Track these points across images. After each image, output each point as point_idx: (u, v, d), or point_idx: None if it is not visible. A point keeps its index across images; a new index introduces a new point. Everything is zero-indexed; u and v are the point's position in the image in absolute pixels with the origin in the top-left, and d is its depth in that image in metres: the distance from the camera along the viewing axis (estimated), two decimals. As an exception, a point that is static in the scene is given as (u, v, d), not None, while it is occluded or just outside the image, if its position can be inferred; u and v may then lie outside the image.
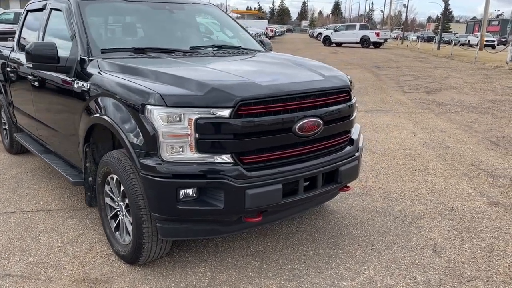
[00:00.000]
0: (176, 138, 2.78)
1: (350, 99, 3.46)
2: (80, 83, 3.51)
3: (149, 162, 2.81)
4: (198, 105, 2.77)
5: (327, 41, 40.85)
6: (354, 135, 3.60)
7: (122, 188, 3.14)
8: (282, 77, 3.26)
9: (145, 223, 3.01)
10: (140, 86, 2.91)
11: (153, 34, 4.18)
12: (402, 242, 3.71)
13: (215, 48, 4.15)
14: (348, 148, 3.47)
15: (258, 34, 30.75)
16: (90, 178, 3.62)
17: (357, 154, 3.53)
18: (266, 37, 42.92)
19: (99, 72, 3.35)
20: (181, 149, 2.80)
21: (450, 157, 6.22)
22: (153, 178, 2.79)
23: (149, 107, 2.78)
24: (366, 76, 16.18)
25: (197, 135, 2.77)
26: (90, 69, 3.47)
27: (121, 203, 3.27)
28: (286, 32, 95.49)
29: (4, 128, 6.22)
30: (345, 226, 3.99)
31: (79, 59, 3.62)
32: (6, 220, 4.04)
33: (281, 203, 3.01)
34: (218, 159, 2.84)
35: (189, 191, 2.85)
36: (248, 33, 4.83)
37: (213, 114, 2.77)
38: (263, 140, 2.91)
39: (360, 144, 3.72)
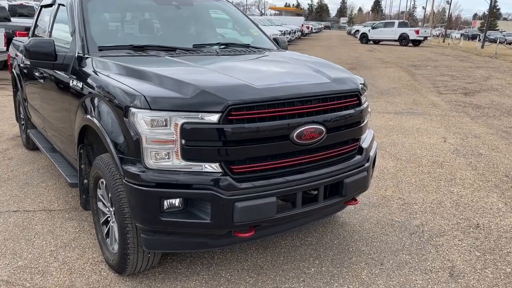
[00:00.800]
0: (160, 144, 2.57)
1: (359, 104, 3.15)
2: (75, 81, 3.37)
3: (132, 169, 2.61)
4: (185, 108, 2.55)
5: (364, 38, 39.88)
6: (364, 143, 3.29)
7: (110, 194, 2.97)
8: (282, 79, 3.00)
9: (130, 233, 2.82)
10: (126, 87, 2.72)
11: (156, 31, 3.99)
12: (416, 263, 3.37)
13: (222, 46, 3.91)
14: (356, 157, 3.16)
15: (293, 31, 30.32)
16: (85, 181, 3.47)
17: (366, 164, 3.22)
18: (302, 34, 42.44)
19: (93, 71, 3.19)
20: (166, 156, 2.59)
21: (482, 166, 5.76)
22: (136, 186, 2.59)
23: (133, 109, 2.58)
24: (401, 76, 15.56)
25: (183, 141, 2.55)
26: (85, 67, 3.31)
27: (111, 209, 3.10)
28: (324, 29, 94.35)
29: (22, 124, 6.23)
30: (355, 241, 3.68)
31: (76, 56, 3.48)
32: (6, 220, 3.97)
33: (275, 217, 2.75)
34: (207, 168, 2.61)
35: (175, 202, 2.64)
36: (261, 30, 4.57)
37: (202, 118, 2.55)
38: (256, 149, 2.66)
39: (372, 153, 3.40)
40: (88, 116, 3.06)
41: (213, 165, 2.61)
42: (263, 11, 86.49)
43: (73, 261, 3.32)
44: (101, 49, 3.47)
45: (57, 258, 3.35)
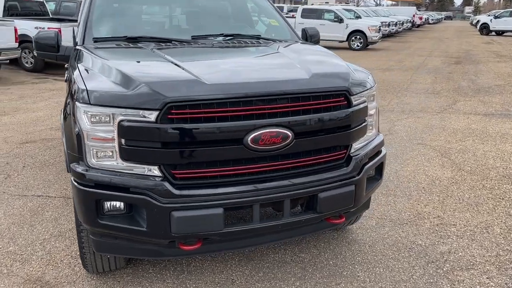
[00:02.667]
0: (101, 142, 2.39)
1: (348, 105, 2.66)
2: (67, 73, 3.36)
3: (76, 167, 2.48)
4: (124, 105, 2.34)
5: (484, 29, 35.95)
6: (358, 152, 2.78)
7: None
8: (249, 74, 2.65)
9: (83, 233, 2.72)
10: (79, 80, 2.59)
11: (160, 21, 3.83)
12: (416, 300, 2.79)
13: (227, 38, 3.61)
14: (341, 169, 2.68)
15: (400, 22, 28.39)
16: None
17: (356, 177, 2.71)
18: (413, 25, 39.66)
19: (75, 63, 3.13)
20: (109, 155, 2.41)
21: None
22: (76, 185, 2.46)
23: (77, 103, 2.45)
24: (512, 72, 13.67)
25: (122, 140, 2.35)
26: (73, 58, 3.27)
27: None
28: (445, 19, 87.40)
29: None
30: (354, 264, 3.18)
31: (74, 47, 3.46)
32: (25, 204, 4.15)
33: (224, 231, 2.42)
34: (152, 171, 2.38)
35: (118, 204, 2.46)
36: (284, 20, 4.18)
37: (143, 116, 2.32)
38: (201, 152, 2.36)
39: (372, 164, 2.87)
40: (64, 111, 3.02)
41: (153, 168, 2.37)
42: (378, 2, 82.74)
43: (57, 253, 3.33)
44: (96, 40, 3.42)
45: (45, 248, 3.39)
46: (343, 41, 20.31)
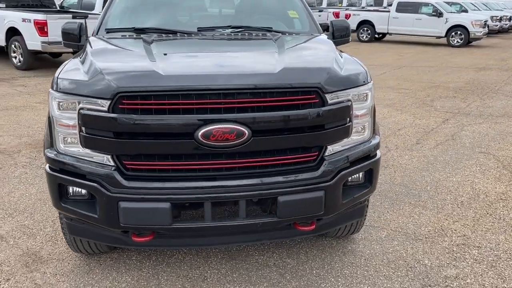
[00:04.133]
0: (66, 128, 2.49)
1: (322, 104, 2.44)
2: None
3: (48, 152, 2.59)
4: (84, 93, 2.40)
5: None
6: (335, 155, 2.54)
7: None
8: (215, 67, 2.55)
9: (62, 214, 2.85)
10: (60, 68, 2.71)
11: (172, 13, 3.83)
12: (388, 325, 2.49)
13: (236, 30, 3.51)
14: (309, 173, 2.47)
15: (508, 17, 25.39)
16: None
17: (328, 183, 2.48)
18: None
19: (80, 52, 3.28)
20: (74, 142, 2.49)
21: None
22: (46, 168, 2.58)
23: (50, 90, 2.56)
24: None
25: (82, 128, 2.42)
26: (82, 48, 3.43)
27: None
28: None
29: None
30: (338, 277, 2.93)
31: (86, 38, 3.63)
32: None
33: (171, 227, 2.37)
34: (107, 160, 2.41)
35: (81, 190, 2.53)
36: (307, 12, 3.95)
37: (101, 105, 2.36)
38: (151, 145, 2.33)
39: (354, 168, 2.61)
40: None
41: (107, 157, 2.40)
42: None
43: (61, 231, 3.54)
44: (108, 31, 3.54)
45: (54, 225, 3.62)
46: (441, 37, 18.83)
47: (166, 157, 2.37)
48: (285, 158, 2.45)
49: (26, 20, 10.25)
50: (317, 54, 2.90)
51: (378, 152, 2.82)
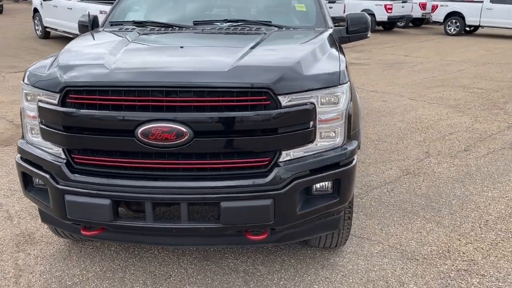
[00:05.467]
0: (31, 119, 2.57)
1: (275, 106, 2.25)
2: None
3: (19, 142, 2.71)
4: (41, 86, 2.46)
5: None
6: (291, 161, 2.35)
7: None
8: (170, 63, 2.47)
9: (39, 201, 2.97)
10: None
11: (173, 7, 3.79)
12: None
13: (233, 24, 3.39)
14: (257, 179, 2.30)
15: None
16: None
17: (277, 191, 2.30)
18: None
19: None
20: (38, 133, 2.57)
21: None
22: (16, 157, 2.70)
23: (21, 81, 2.66)
24: None
25: (40, 120, 2.49)
26: (84, 40, 3.53)
27: None
28: None
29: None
30: (304, 291, 2.73)
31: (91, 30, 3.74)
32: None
33: (113, 224, 2.36)
34: (60, 153, 2.46)
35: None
36: (319, 5, 3.69)
37: (52, 98, 2.40)
38: (95, 140, 2.33)
39: (315, 177, 2.40)
40: None
41: (59, 150, 2.44)
42: None
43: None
44: (112, 24, 3.62)
45: (59, 208, 3.81)
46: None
47: (110, 154, 2.35)
48: (231, 162, 2.31)
49: (103, 12, 10.75)
50: (286, 52, 2.69)
51: (353, 159, 2.56)
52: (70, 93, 2.31)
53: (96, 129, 2.31)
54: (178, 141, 2.22)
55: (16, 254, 3.14)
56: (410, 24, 22.04)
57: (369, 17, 3.76)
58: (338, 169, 2.48)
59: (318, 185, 2.53)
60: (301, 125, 2.35)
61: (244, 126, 2.25)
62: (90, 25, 3.82)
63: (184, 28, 3.33)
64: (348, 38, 3.69)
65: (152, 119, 2.21)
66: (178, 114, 2.21)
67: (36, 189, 2.63)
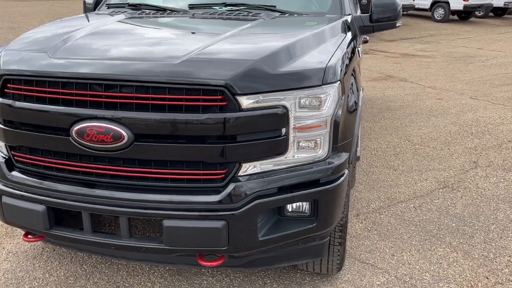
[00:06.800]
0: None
1: (235, 108, 1.84)
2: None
3: None
4: None
5: None
6: (254, 176, 1.93)
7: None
8: (117, 52, 2.13)
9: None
10: None
11: None
12: None
13: (232, 8, 2.97)
14: (209, 196, 1.91)
15: None
16: None
17: (232, 212, 1.89)
18: None
19: None
20: None
21: None
22: None
23: None
24: None
25: None
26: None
27: None
28: None
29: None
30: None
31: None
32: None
33: (50, 232, 2.08)
34: (3, 148, 2.22)
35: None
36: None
37: None
38: (31, 137, 2.06)
39: (284, 197, 1.97)
40: None
41: (3, 145, 2.19)
42: None
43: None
44: (108, 6, 3.34)
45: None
46: None
47: (48, 154, 2.06)
48: (179, 172, 1.93)
49: None
50: (263, 43, 2.23)
51: (341, 176, 2.09)
52: (8, 82, 2.04)
53: (32, 124, 2.03)
54: (116, 145, 1.88)
55: (-9, 247, 3.00)
56: (490, 14, 20.16)
57: (399, 4, 3.16)
58: (317, 187, 2.02)
59: (294, 205, 2.09)
60: (269, 133, 1.92)
61: (194, 130, 1.86)
62: (93, 7, 3.59)
63: (174, 12, 2.97)
64: (372, 28, 3.13)
65: (88, 117, 1.89)
66: (116, 113, 1.87)
67: None
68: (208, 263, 2.03)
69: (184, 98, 1.84)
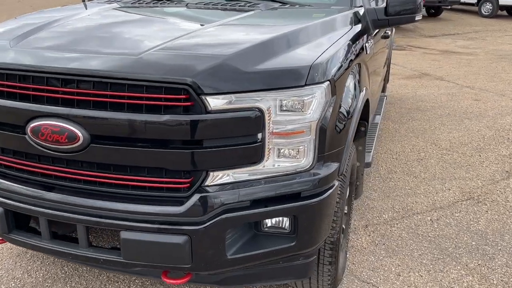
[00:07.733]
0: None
1: (201, 109, 1.62)
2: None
3: None
4: None
5: None
6: (223, 187, 1.71)
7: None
8: (79, 44, 1.94)
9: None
10: None
11: None
12: None
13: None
14: (171, 207, 1.70)
15: None
16: None
17: (196, 226, 1.68)
18: None
19: None
20: None
21: None
22: None
23: None
24: None
25: None
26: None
27: None
28: None
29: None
30: None
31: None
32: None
33: (10, 237, 1.94)
34: None
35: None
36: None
37: None
38: (-14, 133, 1.90)
39: (259, 211, 1.74)
40: None
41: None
42: None
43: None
44: (107, -5, 3.18)
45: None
46: None
47: (5, 152, 1.91)
48: (139, 179, 1.73)
49: None
50: (242, 37, 1.98)
51: (327, 190, 1.83)
52: (-28, 74, 1.90)
53: (-13, 121, 1.88)
54: (71, 146, 1.70)
55: (-21, 242, 2.92)
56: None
57: (419, -4, 2.83)
58: (297, 202, 1.77)
59: (274, 220, 1.86)
60: (241, 138, 1.68)
61: (154, 133, 1.65)
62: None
63: (168, 2, 2.77)
64: (387, 21, 2.82)
65: (43, 114, 1.72)
66: (72, 111, 1.69)
67: None
68: (173, 281, 1.83)
69: (144, 96, 1.63)
